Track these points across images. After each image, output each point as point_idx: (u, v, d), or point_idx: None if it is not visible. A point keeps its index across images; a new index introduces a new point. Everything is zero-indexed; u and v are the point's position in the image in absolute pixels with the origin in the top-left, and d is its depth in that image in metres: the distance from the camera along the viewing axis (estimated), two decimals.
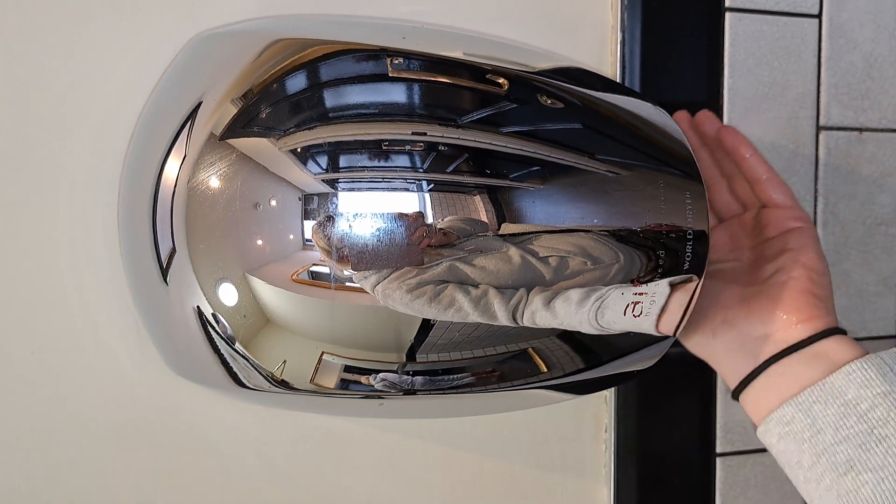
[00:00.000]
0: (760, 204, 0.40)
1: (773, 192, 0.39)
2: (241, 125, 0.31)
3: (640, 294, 0.33)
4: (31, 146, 0.37)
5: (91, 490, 0.39)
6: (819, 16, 0.47)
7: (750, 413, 0.37)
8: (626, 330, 0.34)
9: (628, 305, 0.33)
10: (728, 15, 0.45)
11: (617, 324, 0.33)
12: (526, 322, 0.33)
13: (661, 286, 0.34)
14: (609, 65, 0.44)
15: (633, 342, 0.36)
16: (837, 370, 0.33)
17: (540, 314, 0.33)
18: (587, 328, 0.33)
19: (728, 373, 0.38)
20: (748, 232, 0.41)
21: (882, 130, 0.49)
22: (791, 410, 0.34)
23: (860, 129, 0.49)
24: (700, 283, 0.34)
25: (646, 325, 0.34)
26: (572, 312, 0.33)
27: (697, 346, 0.39)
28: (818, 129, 0.48)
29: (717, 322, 0.38)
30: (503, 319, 0.32)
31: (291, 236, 0.31)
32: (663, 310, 0.34)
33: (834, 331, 0.35)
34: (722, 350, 0.38)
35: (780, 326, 0.36)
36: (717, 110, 0.45)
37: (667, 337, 0.35)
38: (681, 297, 0.34)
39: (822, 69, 0.48)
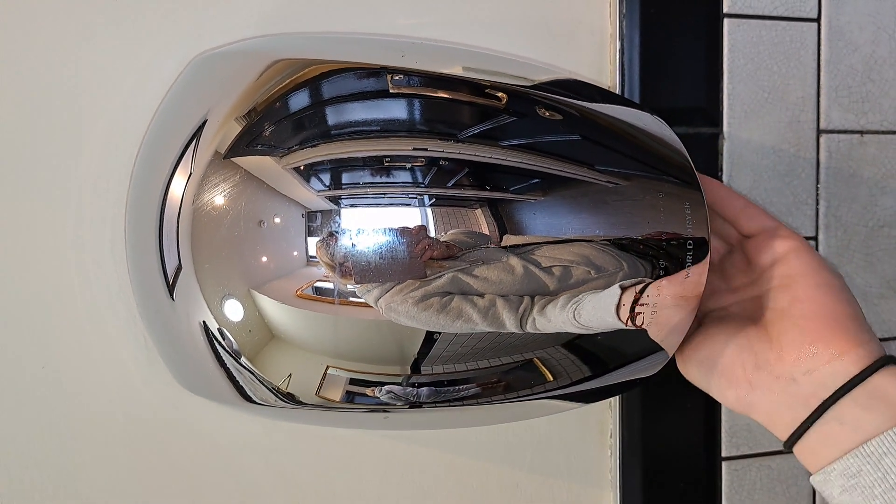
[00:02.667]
0: (743, 235, 0.39)
1: (752, 220, 0.38)
2: (245, 143, 0.31)
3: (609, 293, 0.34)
4: (38, 163, 0.37)
5: (101, 501, 0.40)
6: (818, 19, 0.47)
7: (806, 463, 0.34)
8: (603, 326, 0.34)
9: (599, 302, 0.33)
10: (726, 21, 0.45)
11: (592, 321, 0.34)
12: (529, 329, 0.33)
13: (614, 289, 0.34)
14: (608, 73, 0.44)
15: (637, 349, 0.36)
16: None
17: (540, 320, 0.33)
18: (571, 328, 0.33)
19: (776, 424, 0.35)
20: (741, 268, 0.39)
21: (883, 132, 0.49)
22: (857, 463, 0.31)
23: (861, 132, 0.49)
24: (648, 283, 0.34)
25: (610, 320, 0.34)
26: (557, 314, 0.33)
27: (737, 402, 0.36)
28: (819, 132, 0.48)
29: (749, 370, 0.35)
30: (511, 327, 0.33)
31: (295, 253, 0.31)
32: (618, 305, 0.34)
33: (885, 360, 0.33)
34: (764, 401, 0.35)
35: (820, 361, 0.33)
36: (717, 116, 0.46)
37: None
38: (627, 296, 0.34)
39: (822, 73, 0.48)
